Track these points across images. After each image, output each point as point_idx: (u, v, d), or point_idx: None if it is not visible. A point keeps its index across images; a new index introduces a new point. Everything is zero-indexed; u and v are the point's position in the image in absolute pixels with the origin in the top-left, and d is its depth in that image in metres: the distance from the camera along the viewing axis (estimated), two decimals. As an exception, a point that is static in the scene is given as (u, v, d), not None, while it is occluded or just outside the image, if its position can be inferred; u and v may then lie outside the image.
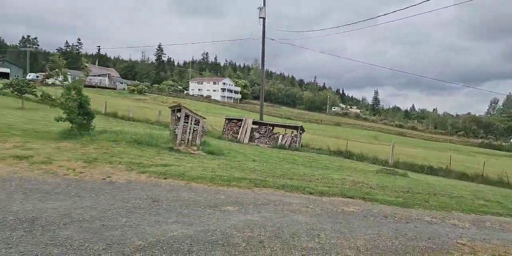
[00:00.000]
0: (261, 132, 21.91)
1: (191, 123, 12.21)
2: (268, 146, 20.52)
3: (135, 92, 71.34)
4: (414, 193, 8.83)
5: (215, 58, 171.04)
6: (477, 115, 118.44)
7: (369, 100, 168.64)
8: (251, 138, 21.54)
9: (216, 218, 4.78)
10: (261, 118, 26.44)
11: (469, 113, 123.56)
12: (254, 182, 7.64)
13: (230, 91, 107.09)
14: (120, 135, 11.51)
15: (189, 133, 12.17)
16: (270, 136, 21.73)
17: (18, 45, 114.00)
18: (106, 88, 72.42)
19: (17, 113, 19.95)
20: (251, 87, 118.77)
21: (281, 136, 21.64)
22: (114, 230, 3.94)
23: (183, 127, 12.11)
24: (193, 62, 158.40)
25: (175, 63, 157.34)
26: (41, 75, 59.63)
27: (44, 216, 4.15)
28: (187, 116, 12.24)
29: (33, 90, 23.98)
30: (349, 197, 7.28)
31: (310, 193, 7.23)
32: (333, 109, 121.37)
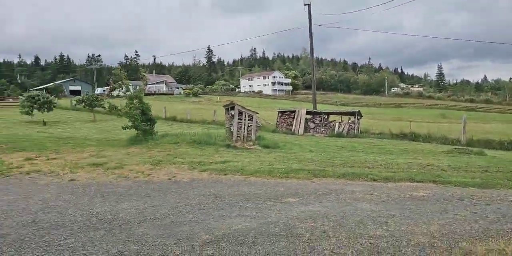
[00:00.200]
0: (316, 122, 21.50)
1: (245, 119, 12.42)
2: (324, 136, 20.09)
3: (191, 95, 74.55)
4: (493, 172, 7.98)
5: (263, 53, 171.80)
6: None
7: (433, 76, 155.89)
8: (306, 129, 21.26)
9: (277, 210, 4.81)
10: (314, 107, 25.95)
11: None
12: (313, 172, 7.52)
13: (281, 83, 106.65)
14: (180, 137, 12.14)
15: (244, 129, 12.39)
16: (325, 125, 21.24)
17: (85, 63, 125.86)
18: (164, 94, 76.80)
19: (90, 125, 22.08)
20: (301, 77, 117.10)
21: (337, 124, 21.03)
22: (183, 226, 4.16)
23: (238, 123, 12.36)
24: (242, 59, 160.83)
25: (225, 63, 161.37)
26: (107, 88, 65.29)
27: (121, 216, 4.53)
28: (240, 113, 12.47)
29: (101, 103, 26.33)
30: (417, 181, 6.82)
31: (374, 180, 6.92)
32: (392, 90, 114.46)
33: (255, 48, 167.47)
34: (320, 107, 30.69)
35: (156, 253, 3.37)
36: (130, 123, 12.14)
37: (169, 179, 6.92)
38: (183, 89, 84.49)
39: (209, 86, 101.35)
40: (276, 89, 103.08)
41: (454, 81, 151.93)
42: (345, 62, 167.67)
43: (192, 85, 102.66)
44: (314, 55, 26.87)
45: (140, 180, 6.82)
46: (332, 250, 3.42)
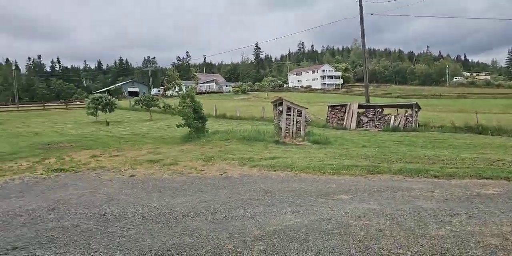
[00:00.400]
0: (369, 116, 20.62)
1: (293, 115, 12.29)
2: (378, 130, 19.19)
3: (239, 93, 75.76)
4: None
5: (312, 46, 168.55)
6: None
7: (502, 62, 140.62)
8: (359, 123, 20.48)
9: (329, 207, 4.68)
10: (367, 100, 24.90)
11: None
12: (367, 168, 7.21)
13: (330, 77, 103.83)
14: (230, 134, 12.39)
15: (293, 124, 12.27)
16: (380, 119, 20.28)
17: (142, 66, 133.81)
18: (214, 92, 78.97)
19: (147, 124, 23.44)
20: (352, 70, 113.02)
21: (392, 117, 19.96)
22: (235, 221, 4.23)
23: (286, 119, 12.28)
24: (289, 54, 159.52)
25: (273, 59, 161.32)
26: (161, 89, 68.90)
27: (177, 210, 4.73)
28: (289, 108, 12.37)
29: (157, 103, 27.86)
30: (486, 178, 6.22)
31: (435, 177, 6.44)
32: (454, 80, 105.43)
33: (303, 42, 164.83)
34: (373, 100, 29.37)
35: (210, 246, 3.46)
36: (183, 121, 12.67)
37: (221, 175, 7.09)
38: (232, 87, 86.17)
39: (257, 83, 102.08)
40: (325, 83, 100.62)
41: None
42: (400, 51, 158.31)
43: (241, 82, 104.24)
44: (366, 46, 25.70)
45: (194, 176, 7.08)
46: (389, 250, 3.24)
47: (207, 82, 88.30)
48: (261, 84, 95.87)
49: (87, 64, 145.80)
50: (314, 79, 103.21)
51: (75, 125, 22.78)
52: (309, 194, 5.39)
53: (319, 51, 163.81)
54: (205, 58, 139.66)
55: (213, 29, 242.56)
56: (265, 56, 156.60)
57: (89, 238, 3.76)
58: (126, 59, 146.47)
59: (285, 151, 9.82)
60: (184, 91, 13.42)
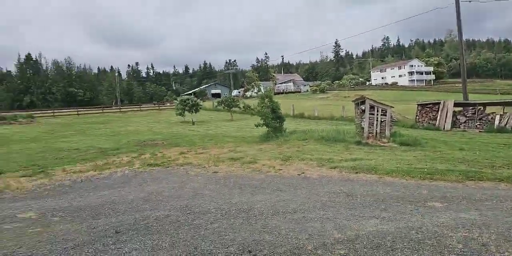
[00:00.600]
0: (468, 115, 18.30)
1: (377, 114, 11.58)
2: (479, 131, 16.93)
3: (318, 92, 74.43)
4: None
5: (397, 41, 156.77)
6: None
7: None
8: (455, 123, 18.35)
9: (420, 214, 4.27)
10: (465, 98, 22.16)
11: None
12: (465, 174, 6.41)
13: (420, 73, 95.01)
14: (308, 133, 12.23)
15: (377, 124, 11.56)
16: (481, 119, 17.86)
17: (223, 69, 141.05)
18: (291, 92, 79.05)
19: (228, 124, 24.55)
20: (446, 64, 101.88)
21: (497, 116, 17.39)
22: (314, 222, 4.14)
23: (369, 119, 11.62)
24: (372, 50, 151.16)
25: (354, 56, 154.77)
26: (241, 90, 71.59)
27: (256, 207, 4.83)
28: (372, 107, 11.69)
29: (237, 103, 29.05)
30: None
31: (555, 186, 5.41)
32: None
33: (387, 37, 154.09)
34: (473, 98, 26.03)
35: (289, 246, 3.44)
36: (261, 121, 12.94)
37: (299, 174, 7.03)
38: (310, 86, 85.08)
39: (337, 81, 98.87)
40: (414, 80, 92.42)
41: None
42: (506, 41, 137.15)
43: (319, 81, 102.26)
44: (464, 37, 22.86)
45: (272, 175, 7.15)
46: (495, 269, 2.80)
47: (285, 82, 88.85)
48: (340, 83, 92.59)
49: (176, 69, 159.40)
50: (400, 76, 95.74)
51: (166, 125, 25.05)
52: (396, 200, 4.99)
53: (406, 45, 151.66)
54: (283, 58, 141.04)
55: (292, 29, 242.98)
56: (345, 53, 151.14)
57: (178, 228, 4.06)
58: (210, 63, 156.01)
59: (368, 153, 9.30)
60: (263, 92, 13.70)
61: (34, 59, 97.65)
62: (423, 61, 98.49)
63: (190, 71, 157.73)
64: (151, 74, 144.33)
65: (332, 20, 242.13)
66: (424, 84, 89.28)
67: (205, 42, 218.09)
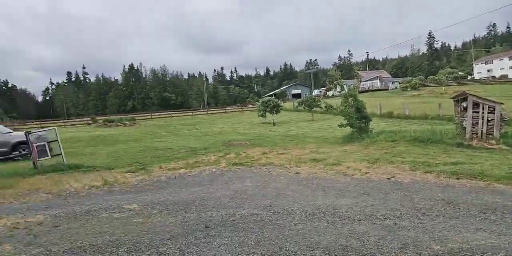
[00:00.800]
0: None
1: (483, 112, 10.14)
2: None
3: (408, 89, 68.62)
4: None
5: (507, 28, 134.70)
6: None
7: None
8: None
9: (543, 230, 3.58)
10: None
11: None
12: None
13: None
14: (398, 134, 11.33)
15: (482, 124, 10.12)
16: None
17: (304, 69, 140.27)
18: (377, 90, 74.44)
19: (309, 124, 24.24)
20: None
21: None
22: (407, 231, 3.80)
23: (473, 118, 10.24)
24: (474, 40, 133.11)
25: (451, 47, 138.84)
26: (322, 90, 70.14)
27: (342, 211, 4.64)
28: (476, 104, 10.28)
29: (318, 103, 28.50)
30: None
31: None
32: None
33: (494, 24, 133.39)
34: None
35: (380, 255, 3.21)
36: (345, 121, 12.44)
37: (388, 178, 6.55)
38: (399, 83, 78.88)
39: (431, 76, 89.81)
40: (528, 71, 78.71)
41: None
42: None
43: (410, 77, 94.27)
44: None
45: (358, 178, 6.80)
46: None
47: (370, 79, 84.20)
48: (435, 78, 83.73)
49: (258, 72, 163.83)
50: None
51: (248, 126, 25.93)
52: (509, 211, 4.28)
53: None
54: (368, 54, 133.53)
55: (378, 23, 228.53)
56: (441, 45, 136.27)
57: (262, 227, 4.13)
58: (290, 64, 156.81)
59: (472, 156, 8.20)
60: (346, 91, 13.12)
61: (135, 68, 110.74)
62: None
63: (271, 72, 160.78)
64: (235, 77, 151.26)
65: (424, 10, 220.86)
66: (543, 76, 75.23)
67: (285, 43, 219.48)
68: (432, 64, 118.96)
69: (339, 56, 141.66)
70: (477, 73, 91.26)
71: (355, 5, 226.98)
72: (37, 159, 9.97)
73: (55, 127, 12.07)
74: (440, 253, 3.18)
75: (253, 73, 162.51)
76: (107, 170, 9.46)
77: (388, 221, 4.16)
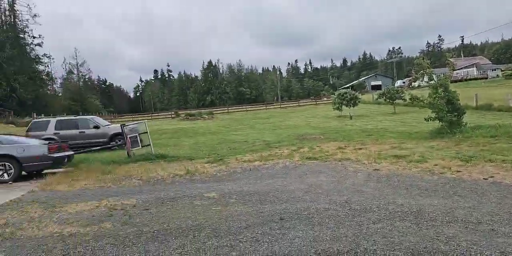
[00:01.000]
0: None
1: None
2: None
3: (513, 77, 59.49)
4: None
5: None
6: None
7: None
8: None
9: None
10: None
11: None
12: None
13: None
14: (499, 129, 9.96)
15: None
16: None
17: (385, 58, 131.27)
18: (474, 79, 66.05)
19: (390, 117, 22.68)
20: None
21: None
22: (507, 237, 3.34)
23: None
24: None
25: None
26: (406, 80, 64.90)
27: (427, 212, 4.25)
28: None
29: (402, 95, 26.39)
30: None
31: None
32: None
33: None
34: None
35: (473, 263, 2.87)
36: (433, 115, 11.30)
37: (485, 179, 5.80)
38: (502, 70, 68.79)
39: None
40: None
41: None
42: None
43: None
44: None
45: (447, 177, 6.16)
46: None
47: (464, 67, 75.05)
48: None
49: (334, 63, 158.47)
50: None
51: (322, 119, 25.35)
52: None
53: None
54: (462, 39, 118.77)
55: (475, 2, 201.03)
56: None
57: (338, 223, 4.01)
58: (370, 53, 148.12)
59: None
60: (435, 81, 11.89)
61: (213, 65, 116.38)
62: None
63: (348, 63, 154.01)
64: (309, 70, 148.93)
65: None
66: None
67: (364, 31, 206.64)
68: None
69: (427, 43, 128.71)
70: None
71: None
72: (130, 149, 11.19)
73: (145, 120, 13.40)
74: (553, 268, 2.71)
75: (328, 65, 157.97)
76: (189, 160, 10.17)
77: (483, 226, 3.69)
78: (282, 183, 6.43)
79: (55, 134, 14.57)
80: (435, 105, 11.08)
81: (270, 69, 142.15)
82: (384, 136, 12.59)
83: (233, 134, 18.14)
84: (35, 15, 54.37)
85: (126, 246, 3.62)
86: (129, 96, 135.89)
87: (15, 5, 52.06)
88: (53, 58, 65.57)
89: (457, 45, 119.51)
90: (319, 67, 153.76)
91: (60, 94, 73.16)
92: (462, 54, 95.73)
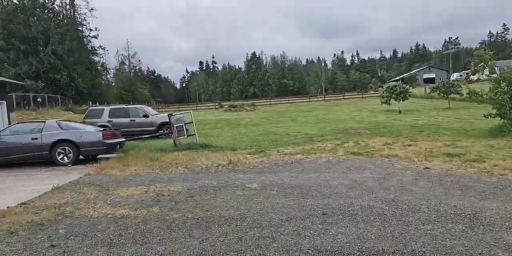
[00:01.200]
0: None
1: None
2: None
3: None
4: None
5: None
6: None
7: None
8: None
9: None
10: None
11: None
12: None
13: None
14: None
15: None
16: None
17: (441, 49, 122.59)
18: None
19: (444, 113, 21.26)
20: None
21: None
22: None
23: None
24: None
25: None
26: (464, 73, 60.17)
27: (484, 215, 3.95)
28: None
29: (458, 89, 24.55)
30: None
31: None
32: None
33: None
34: None
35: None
36: (494, 111, 10.40)
37: (554, 183, 5.24)
38: None
39: None
40: None
41: None
42: None
43: None
44: None
45: (509, 179, 5.67)
46: None
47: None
48: None
49: (383, 54, 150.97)
50: None
51: (369, 113, 24.42)
52: None
53: None
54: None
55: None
56: None
57: (384, 221, 3.85)
58: (423, 44, 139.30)
59: None
60: (498, 74, 10.89)
61: (257, 56, 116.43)
62: None
63: (399, 55, 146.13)
64: (356, 61, 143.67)
65: None
66: None
67: (418, 20, 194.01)
68: None
69: (489, 32, 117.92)
70: None
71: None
72: (176, 138, 11.62)
73: (190, 111, 13.80)
74: None
75: (377, 56, 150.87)
76: (231, 150, 10.34)
77: (552, 236, 3.34)
78: (324, 178, 6.31)
79: (108, 121, 15.53)
80: (496, 101, 10.18)
81: (315, 60, 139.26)
82: (436, 133, 11.84)
83: (275, 126, 18.12)
84: (92, 9, 58.01)
85: (172, 231, 3.77)
86: (176, 87, 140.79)
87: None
88: (107, 50, 69.69)
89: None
90: (366, 58, 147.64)
91: (113, 84, 77.68)
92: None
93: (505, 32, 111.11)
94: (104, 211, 4.57)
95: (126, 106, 17.47)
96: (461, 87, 24.55)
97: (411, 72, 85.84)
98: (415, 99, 32.84)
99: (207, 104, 50.02)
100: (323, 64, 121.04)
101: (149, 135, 14.19)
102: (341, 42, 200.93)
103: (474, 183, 5.50)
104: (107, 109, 16.44)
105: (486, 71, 11.62)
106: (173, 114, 12.59)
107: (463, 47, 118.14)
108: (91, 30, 55.17)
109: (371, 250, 3.10)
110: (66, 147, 9.37)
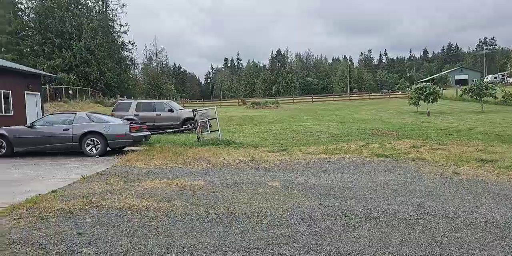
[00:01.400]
0: None
1: None
2: None
3: None
4: None
5: None
6: None
7: None
8: None
9: None
10: None
11: None
12: None
13: None
14: None
15: None
16: None
17: (475, 50, 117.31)
18: None
19: (476, 116, 20.35)
20: None
21: None
22: None
23: None
24: None
25: None
26: (499, 75, 57.29)
27: (517, 226, 3.74)
28: None
29: (492, 92, 23.41)
30: None
31: None
32: None
33: None
34: None
35: None
36: (530, 115, 9.85)
37: None
38: None
39: None
40: None
41: None
42: None
43: None
44: None
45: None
46: None
47: None
48: None
49: (412, 54, 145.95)
50: None
51: (396, 114, 23.77)
52: None
53: None
54: None
55: None
56: None
57: (409, 227, 3.74)
58: (456, 44, 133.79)
59: None
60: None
61: (282, 54, 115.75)
62: None
63: (429, 54, 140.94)
64: (384, 60, 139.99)
65: None
66: None
67: (451, 18, 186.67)
68: None
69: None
70: None
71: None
72: (200, 133, 11.77)
73: (214, 107, 13.93)
74: None
75: (406, 56, 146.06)
76: (253, 147, 10.36)
77: None
78: (348, 179, 6.20)
79: (135, 115, 15.94)
80: (535, 105, 9.63)
81: (341, 59, 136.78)
82: (467, 137, 11.36)
83: (298, 125, 17.99)
84: (123, 5, 59.67)
85: (194, 225, 3.83)
86: (200, 83, 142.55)
87: (107, -5, 57.40)
88: (136, 45, 71.47)
89: None
90: (395, 58, 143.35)
91: (141, 79, 79.65)
92: None
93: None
94: (129, 202, 4.70)
95: (152, 101, 17.87)
96: (496, 90, 23.40)
97: (441, 73, 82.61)
98: (446, 101, 31.66)
99: (230, 101, 50.33)
100: (349, 63, 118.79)
101: (173, 130, 14.46)
102: (369, 41, 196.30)
103: (507, 191, 5.23)
104: (134, 103, 16.89)
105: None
106: (198, 109, 12.76)
107: (499, 47, 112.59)
108: (121, 25, 56.72)
109: (395, 256, 3.02)
110: (95, 139, 9.70)
